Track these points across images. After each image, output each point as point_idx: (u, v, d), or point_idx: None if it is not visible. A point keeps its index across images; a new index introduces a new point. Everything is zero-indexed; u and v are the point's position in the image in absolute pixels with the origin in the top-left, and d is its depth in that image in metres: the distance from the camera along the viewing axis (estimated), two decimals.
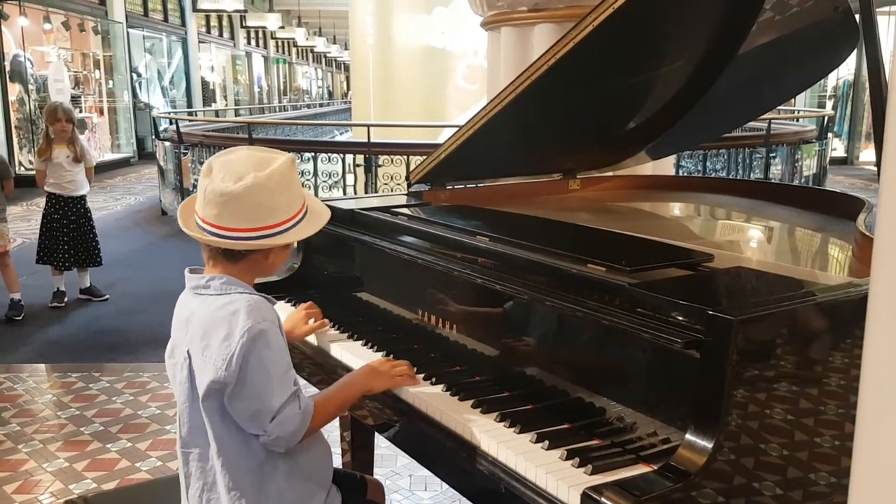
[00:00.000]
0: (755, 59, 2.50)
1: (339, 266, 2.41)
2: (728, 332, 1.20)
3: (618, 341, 1.44)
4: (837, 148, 15.98)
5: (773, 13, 2.36)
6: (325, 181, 8.21)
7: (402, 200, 2.63)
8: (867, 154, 16.21)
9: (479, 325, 1.79)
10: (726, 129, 3.72)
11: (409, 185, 2.72)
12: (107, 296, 5.96)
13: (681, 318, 1.30)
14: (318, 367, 2.01)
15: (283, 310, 2.25)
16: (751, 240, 2.33)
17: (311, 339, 2.09)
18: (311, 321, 2.03)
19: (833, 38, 2.51)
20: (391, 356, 1.88)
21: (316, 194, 8.11)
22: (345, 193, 8.20)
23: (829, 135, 11.37)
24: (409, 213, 2.30)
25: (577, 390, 1.53)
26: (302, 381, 1.67)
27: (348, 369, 1.91)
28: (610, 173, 3.15)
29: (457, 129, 2.45)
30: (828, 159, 11.12)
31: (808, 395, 1.30)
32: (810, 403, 1.30)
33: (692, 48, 2.49)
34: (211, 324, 1.51)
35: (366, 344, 1.98)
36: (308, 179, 8.16)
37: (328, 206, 2.47)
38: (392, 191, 7.60)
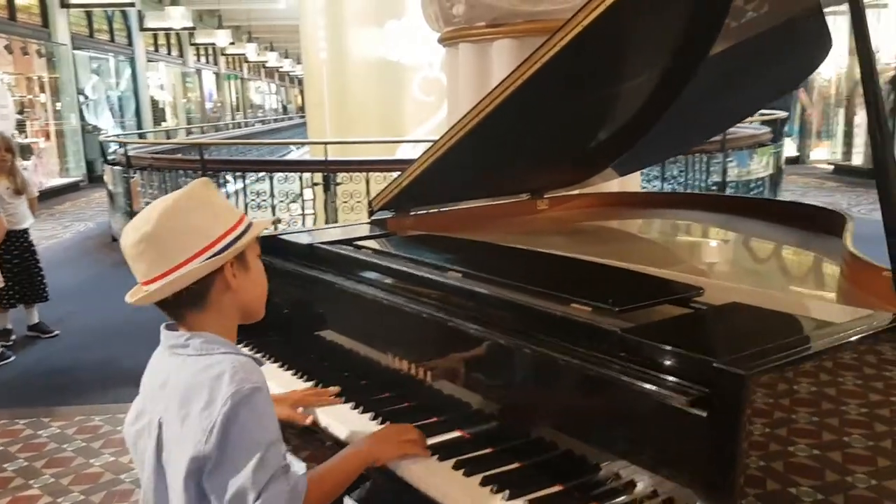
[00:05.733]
0: (723, 68, 2.41)
1: (300, 307, 2.24)
2: (738, 388, 1.07)
3: (610, 394, 1.30)
4: (789, 147, 16.23)
5: (732, 20, 2.27)
6: (282, 201, 8.01)
7: (365, 230, 2.49)
8: (818, 153, 16.49)
9: (455, 371, 1.65)
10: (696, 141, 3.65)
11: (370, 213, 2.58)
12: (56, 332, 5.69)
13: (681, 370, 1.18)
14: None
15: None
16: (735, 263, 2.23)
17: (279, 389, 1.93)
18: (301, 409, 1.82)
19: (805, 45, 2.43)
20: (361, 407, 1.74)
21: (273, 214, 7.92)
22: (303, 213, 8.01)
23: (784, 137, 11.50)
24: (375, 246, 2.16)
25: (570, 445, 1.39)
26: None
27: (316, 422, 1.77)
28: (577, 191, 3.05)
29: (421, 153, 2.32)
30: (783, 160, 11.23)
31: (831, 459, 1.19)
32: (836, 473, 1.18)
33: (657, 61, 2.40)
34: (191, 388, 1.34)
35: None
36: (265, 200, 7.95)
37: (284, 239, 2.34)
38: (352, 209, 7.43)
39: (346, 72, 10.44)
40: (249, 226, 1.48)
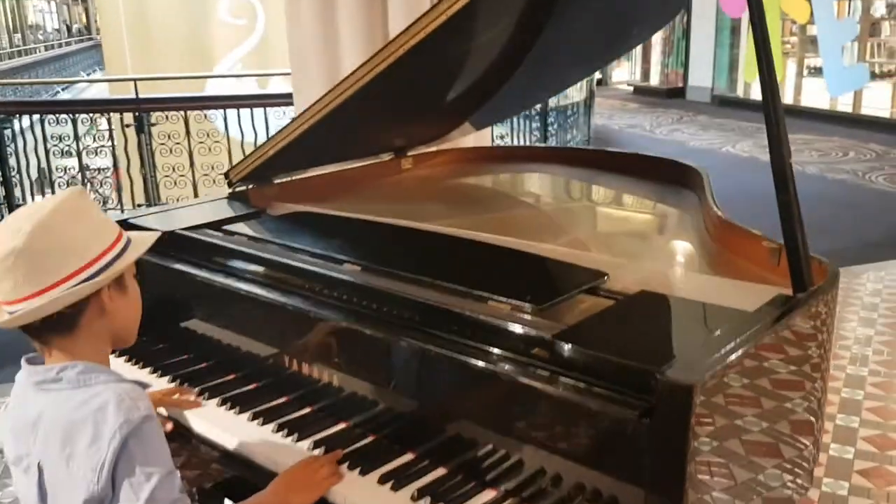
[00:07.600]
0: (579, 13, 2.41)
1: (166, 302, 2.04)
2: (685, 398, 1.10)
3: (537, 401, 1.28)
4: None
5: None
6: (87, 146, 7.24)
7: (226, 205, 2.30)
8: (618, 74, 17.50)
9: (363, 373, 1.58)
10: (553, 90, 3.72)
11: (230, 185, 2.39)
12: None
13: (620, 379, 1.18)
14: None
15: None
16: (610, 229, 2.30)
17: None
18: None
19: None
20: (261, 419, 1.63)
21: (80, 163, 7.17)
22: (114, 157, 7.30)
23: None
24: (250, 232, 1.99)
25: (494, 446, 1.38)
26: None
27: (202, 439, 1.64)
28: (436, 148, 3.00)
29: (286, 125, 2.18)
30: (595, 83, 11.76)
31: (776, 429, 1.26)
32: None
33: (513, 10, 2.36)
34: (71, 425, 1.22)
35: (223, 404, 1.70)
36: (69, 145, 7.16)
37: (135, 224, 2.10)
38: (171, 151, 6.91)
39: None
40: (128, 242, 1.35)
